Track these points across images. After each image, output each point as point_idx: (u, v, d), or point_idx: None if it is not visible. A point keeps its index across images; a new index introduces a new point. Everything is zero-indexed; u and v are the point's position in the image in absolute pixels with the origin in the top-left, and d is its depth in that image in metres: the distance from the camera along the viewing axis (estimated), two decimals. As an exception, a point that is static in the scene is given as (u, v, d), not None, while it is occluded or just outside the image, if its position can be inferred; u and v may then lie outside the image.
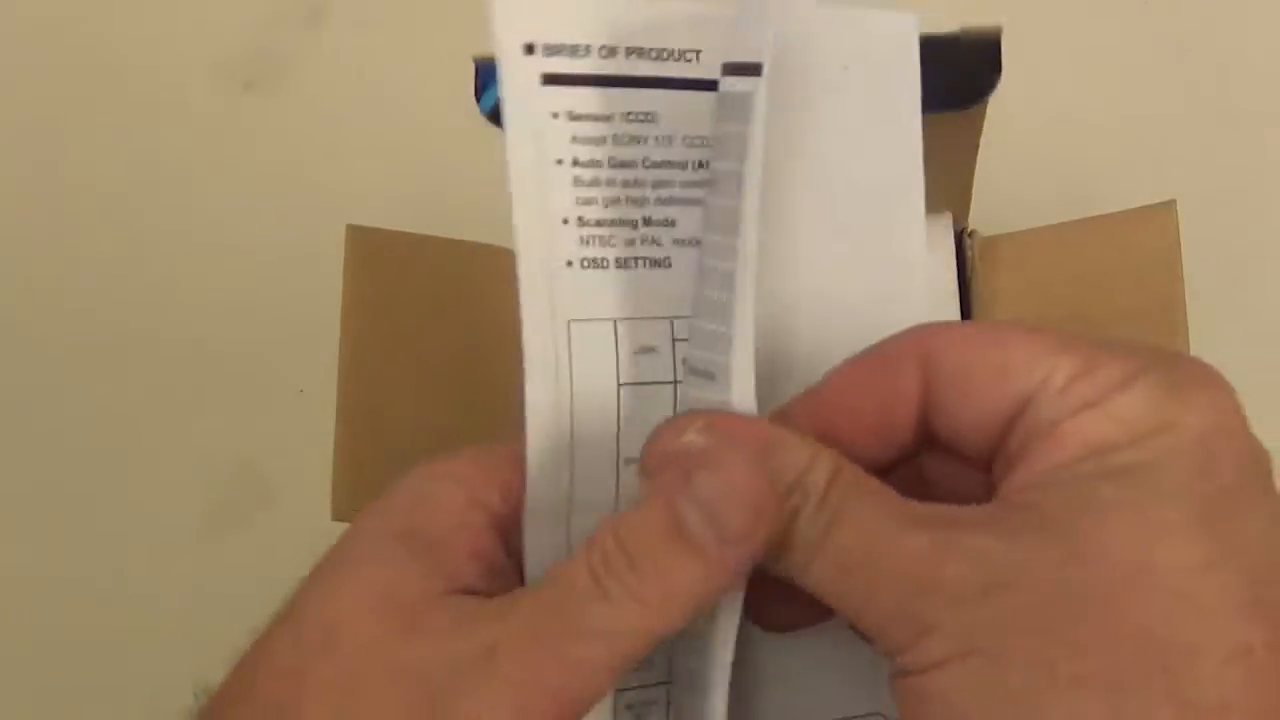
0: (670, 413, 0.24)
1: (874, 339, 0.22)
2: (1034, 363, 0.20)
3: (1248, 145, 0.50)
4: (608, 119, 0.23)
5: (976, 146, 0.34)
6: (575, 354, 0.23)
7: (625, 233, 0.23)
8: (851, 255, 0.25)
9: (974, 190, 0.37)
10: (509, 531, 0.23)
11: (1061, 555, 0.18)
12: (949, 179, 0.35)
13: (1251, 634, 0.18)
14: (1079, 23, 0.52)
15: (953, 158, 0.34)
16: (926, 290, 0.25)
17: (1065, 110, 0.50)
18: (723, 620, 0.22)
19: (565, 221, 0.23)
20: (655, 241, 0.24)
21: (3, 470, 0.50)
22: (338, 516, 0.33)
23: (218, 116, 0.54)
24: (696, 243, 0.24)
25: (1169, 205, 0.34)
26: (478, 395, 0.37)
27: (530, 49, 0.23)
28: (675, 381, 0.24)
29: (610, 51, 0.23)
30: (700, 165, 0.24)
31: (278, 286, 0.50)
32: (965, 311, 0.37)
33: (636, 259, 0.24)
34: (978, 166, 0.35)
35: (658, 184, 0.24)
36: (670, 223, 0.24)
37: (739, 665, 0.22)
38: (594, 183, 0.23)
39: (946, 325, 0.22)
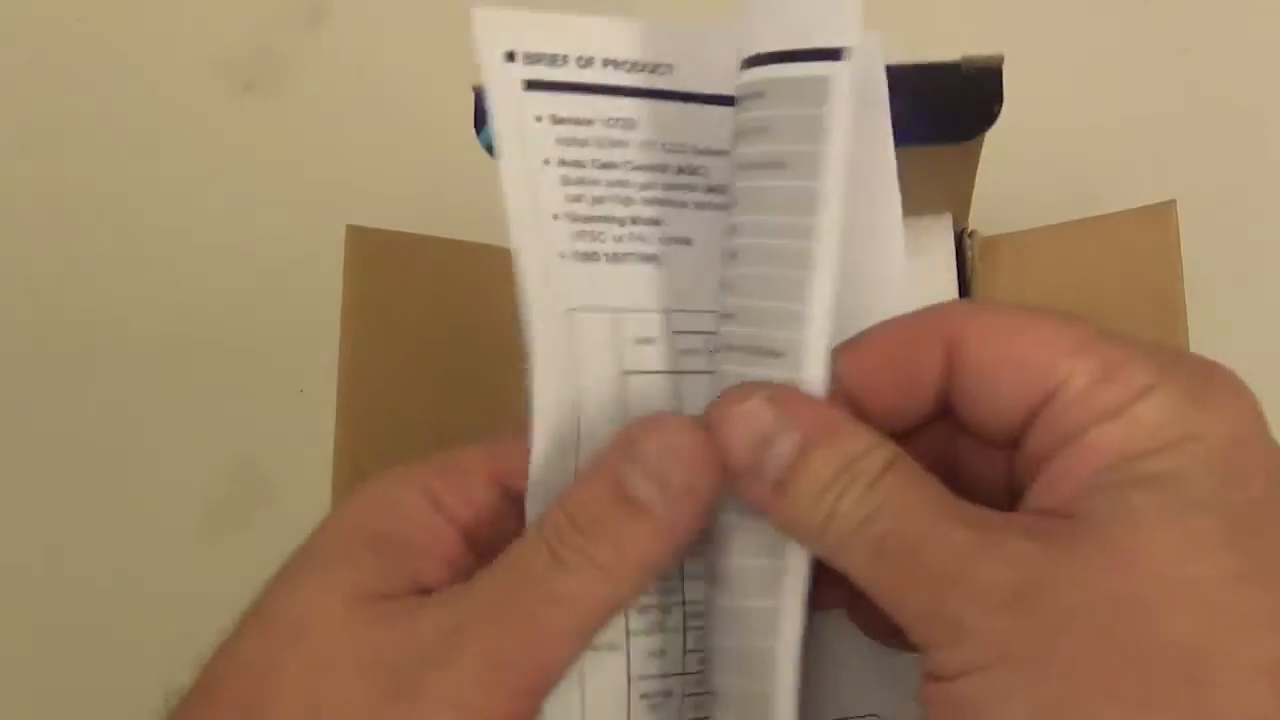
0: (670, 403, 0.24)
1: None
2: (1055, 363, 0.20)
3: (1248, 145, 0.50)
4: (589, 123, 0.24)
5: (978, 154, 0.34)
6: (579, 342, 0.23)
7: (614, 229, 0.24)
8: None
9: (974, 190, 0.37)
10: (476, 537, 0.23)
11: (1096, 564, 0.18)
12: (949, 180, 0.35)
13: None
14: (1079, 23, 0.52)
15: (954, 164, 0.34)
16: (908, 302, 0.25)
17: (1065, 110, 0.50)
18: (788, 598, 0.22)
19: (556, 217, 0.24)
20: (643, 239, 0.24)
21: (3, 470, 0.50)
22: (338, 516, 0.33)
23: (218, 116, 0.54)
24: (685, 241, 0.24)
25: (1169, 205, 0.34)
26: (478, 395, 0.37)
27: (511, 56, 0.23)
28: (674, 372, 0.24)
29: (587, 62, 0.24)
30: (682, 170, 0.25)
31: (278, 286, 0.50)
32: (965, 311, 0.37)
33: (627, 254, 0.24)
34: (978, 166, 0.35)
35: (643, 185, 0.24)
36: (656, 222, 0.24)
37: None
38: (580, 181, 0.24)
39: (974, 311, 0.22)
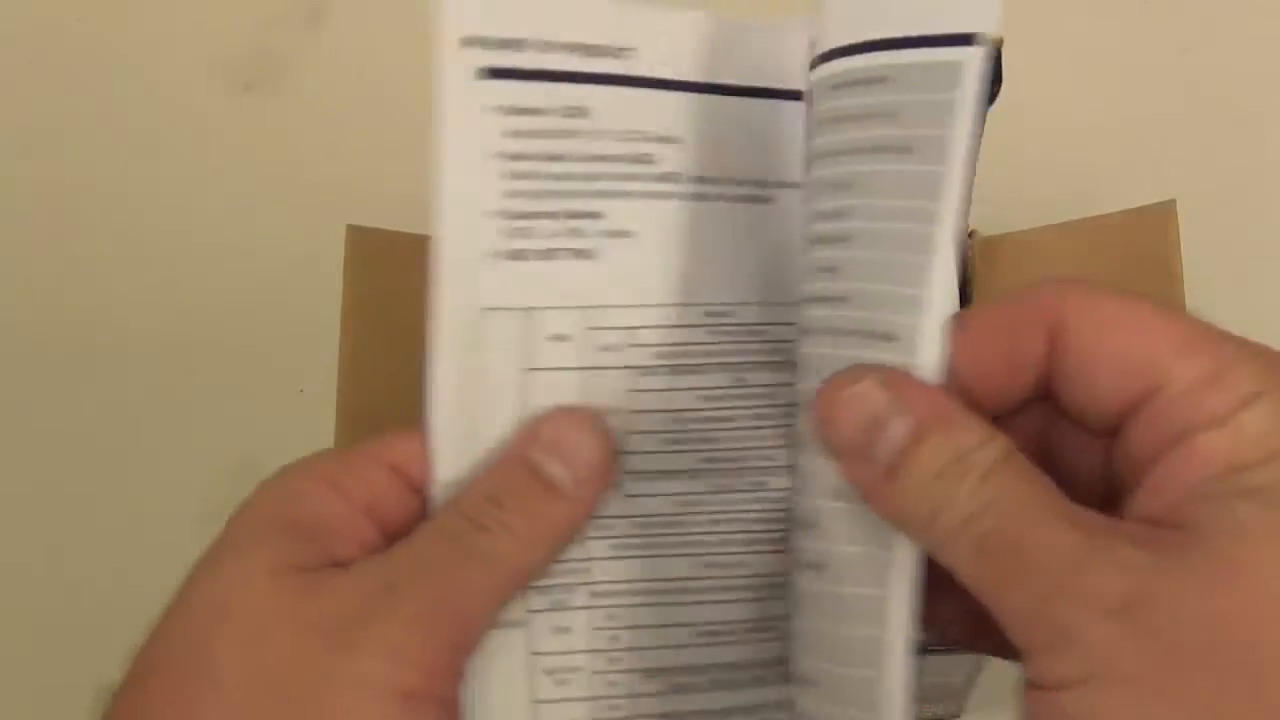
0: (576, 399, 0.24)
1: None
2: (1159, 358, 0.20)
3: (1248, 145, 0.50)
4: (542, 113, 0.24)
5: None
6: (487, 339, 0.24)
7: (548, 224, 0.24)
8: None
9: (974, 190, 0.37)
10: (383, 521, 0.24)
11: (1204, 577, 0.18)
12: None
13: None
14: (1079, 23, 0.52)
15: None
16: None
17: (1065, 110, 0.50)
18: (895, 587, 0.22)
19: (490, 214, 0.24)
20: (580, 233, 0.24)
21: (3, 470, 0.50)
22: (338, 516, 0.33)
23: (218, 116, 0.54)
24: (625, 234, 0.25)
25: (1169, 205, 0.34)
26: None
27: (469, 41, 0.24)
28: (587, 368, 0.25)
29: (547, 46, 0.24)
30: (632, 159, 0.25)
31: (278, 286, 0.50)
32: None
33: (559, 249, 0.24)
34: (978, 166, 0.35)
35: (588, 177, 0.25)
36: (597, 215, 0.25)
37: None
38: (522, 175, 0.24)
39: (1082, 295, 0.21)
